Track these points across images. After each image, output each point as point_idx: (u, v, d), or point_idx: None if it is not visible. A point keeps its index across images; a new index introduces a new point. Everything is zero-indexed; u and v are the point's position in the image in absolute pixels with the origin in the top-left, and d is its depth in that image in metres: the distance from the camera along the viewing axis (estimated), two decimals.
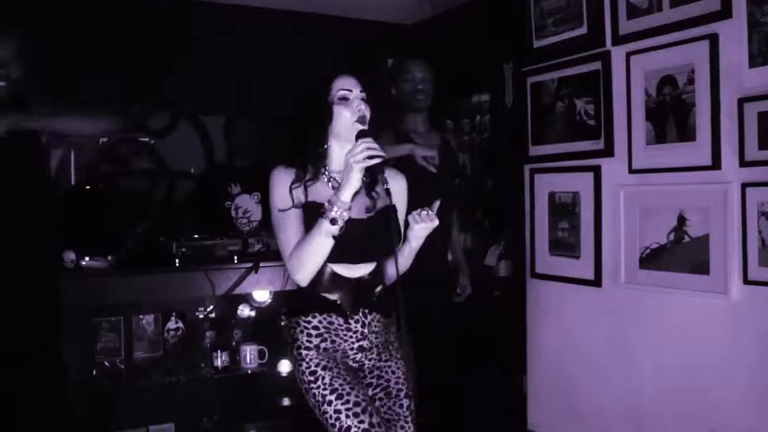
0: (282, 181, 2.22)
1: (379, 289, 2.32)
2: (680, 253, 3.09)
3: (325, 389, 2.16)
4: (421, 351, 3.10)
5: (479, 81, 4.89)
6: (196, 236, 3.60)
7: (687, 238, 3.07)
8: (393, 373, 2.34)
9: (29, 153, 2.74)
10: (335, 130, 2.22)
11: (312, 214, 2.15)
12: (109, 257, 3.37)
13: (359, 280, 2.26)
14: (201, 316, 3.84)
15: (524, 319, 3.88)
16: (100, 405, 3.35)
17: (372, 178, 2.20)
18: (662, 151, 3.12)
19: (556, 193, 3.64)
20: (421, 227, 2.17)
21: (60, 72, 4.05)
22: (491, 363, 4.29)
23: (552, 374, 3.73)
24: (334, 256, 2.16)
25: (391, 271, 2.33)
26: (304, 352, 2.23)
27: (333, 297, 2.24)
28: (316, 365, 2.21)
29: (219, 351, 3.73)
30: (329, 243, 2.11)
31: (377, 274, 2.31)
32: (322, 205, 2.11)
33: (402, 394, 2.31)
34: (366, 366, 2.32)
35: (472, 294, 3.79)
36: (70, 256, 3.25)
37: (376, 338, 2.32)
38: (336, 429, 2.11)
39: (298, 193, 2.21)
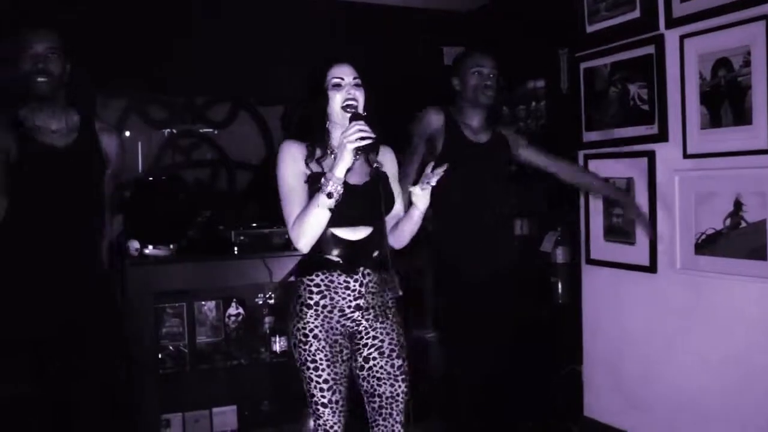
0: (291, 156, 2.40)
1: (377, 252, 2.46)
2: (737, 239, 3.05)
3: (309, 355, 2.40)
4: (479, 336, 3.17)
5: (534, 67, 4.85)
6: (255, 225, 3.69)
7: (744, 224, 3.03)
8: (387, 334, 2.49)
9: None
10: (330, 113, 2.42)
11: (316, 182, 2.34)
12: (171, 246, 3.49)
13: (359, 242, 2.43)
14: (260, 302, 3.94)
15: (580, 305, 3.88)
16: (165, 387, 3.47)
17: (366, 156, 2.43)
18: (717, 135, 3.08)
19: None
20: (421, 193, 2.37)
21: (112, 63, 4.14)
22: (549, 350, 4.28)
23: (608, 361, 3.72)
24: (334, 220, 2.33)
25: (398, 237, 2.51)
26: (305, 309, 2.42)
27: (334, 258, 2.41)
28: (310, 330, 2.40)
29: (277, 336, 3.83)
30: (326, 214, 2.29)
31: (376, 238, 2.45)
32: (323, 175, 2.31)
33: (395, 355, 2.48)
34: (362, 326, 2.47)
35: (529, 280, 3.79)
36: (134, 244, 3.38)
37: (373, 299, 2.47)
38: (306, 390, 2.42)
39: (312, 166, 2.39)
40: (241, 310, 3.90)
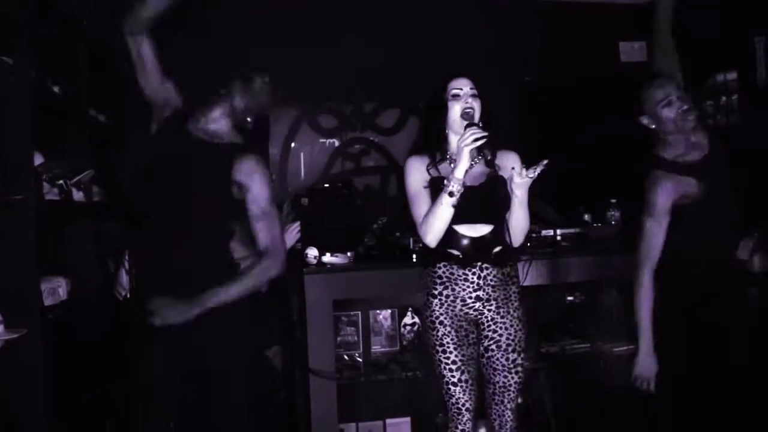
0: (415, 168, 2.73)
1: (498, 249, 2.69)
2: None
3: (437, 339, 2.72)
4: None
5: (724, 58, 4.48)
6: None
7: None
8: (506, 329, 2.73)
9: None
10: (450, 122, 2.71)
11: (438, 186, 2.64)
12: (349, 253, 3.45)
13: (479, 238, 2.67)
14: None
15: None
16: (339, 396, 3.44)
17: (483, 156, 2.62)
18: None
19: None
20: (520, 182, 2.58)
21: None
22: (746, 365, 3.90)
23: None
24: (455, 218, 2.60)
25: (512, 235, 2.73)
26: (430, 299, 2.74)
27: (455, 252, 2.67)
28: (436, 317, 2.72)
29: None
30: (449, 211, 2.59)
31: (496, 235, 2.69)
32: (445, 179, 2.61)
33: (510, 349, 2.72)
34: (485, 315, 2.72)
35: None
36: (313, 252, 3.36)
37: (494, 291, 2.71)
38: (437, 371, 2.73)
39: (432, 172, 2.71)
40: (417, 320, 3.80)
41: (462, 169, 2.54)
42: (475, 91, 2.67)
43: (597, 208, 3.75)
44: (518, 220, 2.67)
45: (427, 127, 2.81)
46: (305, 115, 4.96)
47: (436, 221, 2.60)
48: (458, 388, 2.70)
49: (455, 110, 2.67)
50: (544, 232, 3.54)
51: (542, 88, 4.98)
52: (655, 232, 2.93)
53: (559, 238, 3.54)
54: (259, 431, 3.83)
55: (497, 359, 2.73)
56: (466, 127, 2.56)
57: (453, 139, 2.70)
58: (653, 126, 3.03)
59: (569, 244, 3.56)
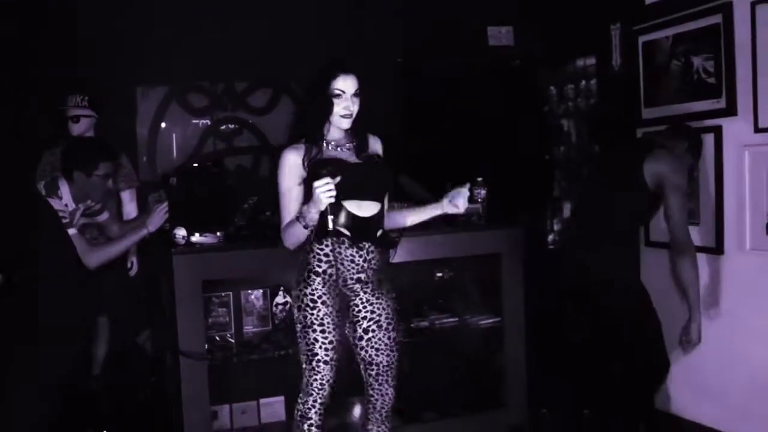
0: (291, 161, 2.69)
1: (380, 232, 2.73)
2: None
3: (316, 318, 2.69)
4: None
5: (584, 44, 4.70)
6: None
7: None
8: (384, 309, 2.78)
9: None
10: (330, 115, 2.69)
11: (317, 170, 2.59)
12: (218, 233, 3.40)
13: (366, 218, 2.68)
14: None
15: None
16: (211, 378, 3.40)
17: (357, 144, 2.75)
18: None
19: None
20: (450, 207, 2.75)
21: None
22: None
23: (674, 348, 3.57)
24: (342, 193, 2.58)
25: (395, 220, 2.87)
26: (313, 276, 2.70)
27: (345, 231, 2.66)
28: (318, 296, 2.69)
29: None
30: (306, 232, 2.64)
31: (379, 218, 2.73)
32: (326, 161, 2.64)
33: (390, 328, 2.79)
34: (360, 298, 2.74)
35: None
36: (181, 232, 3.29)
37: (373, 275, 2.74)
38: (308, 349, 2.72)
39: (302, 171, 2.68)
40: (288, 299, 3.80)
41: (315, 211, 2.55)
42: (358, 91, 2.65)
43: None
44: (406, 219, 2.88)
45: (307, 115, 2.74)
46: (174, 93, 4.84)
47: (295, 236, 2.66)
48: (328, 367, 2.73)
49: (336, 109, 2.66)
50: None
51: (415, 69, 5.07)
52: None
53: None
54: (131, 416, 3.80)
55: (379, 339, 2.77)
56: (321, 176, 2.52)
57: (333, 131, 2.72)
58: None
59: (436, 222, 3.64)
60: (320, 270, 2.70)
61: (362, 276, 2.70)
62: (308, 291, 2.71)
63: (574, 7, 4.56)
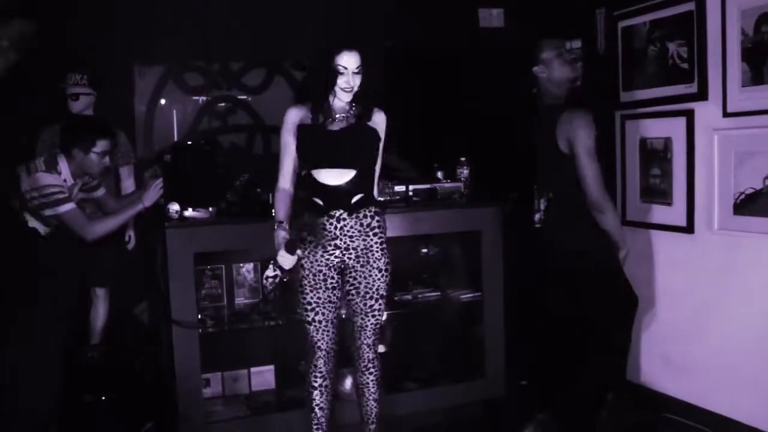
0: (291, 117, 2.88)
1: (357, 198, 2.84)
2: None
3: (299, 281, 2.94)
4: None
5: (571, 28, 4.78)
6: None
7: None
8: (365, 278, 2.92)
9: None
10: (334, 88, 2.82)
11: (306, 132, 2.85)
12: (210, 208, 3.53)
13: (339, 186, 2.82)
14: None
15: None
16: (204, 348, 3.53)
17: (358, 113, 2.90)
18: (759, 92, 3.03)
19: (647, 139, 3.58)
20: None
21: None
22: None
23: (645, 324, 3.71)
24: (318, 162, 2.82)
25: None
26: (300, 243, 2.84)
27: (318, 201, 2.85)
28: (300, 259, 2.85)
29: None
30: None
31: (356, 184, 2.84)
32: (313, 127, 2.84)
33: (368, 296, 2.94)
34: (346, 263, 2.91)
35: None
36: (174, 207, 3.42)
37: (352, 241, 2.88)
38: (302, 309, 2.97)
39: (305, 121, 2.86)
40: (278, 272, 3.91)
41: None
42: (360, 68, 2.79)
43: (449, 165, 3.97)
44: None
45: (312, 86, 2.91)
46: (171, 72, 4.95)
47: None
48: (312, 327, 2.96)
49: (338, 83, 2.79)
50: (397, 188, 3.72)
51: (404, 50, 5.15)
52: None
53: (411, 193, 3.73)
54: (128, 385, 3.93)
55: (356, 303, 2.96)
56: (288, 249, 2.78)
57: (336, 101, 2.85)
58: (544, 74, 3.28)
59: (420, 199, 3.77)
60: (302, 236, 2.89)
61: (338, 242, 2.87)
62: (294, 256, 2.85)
63: None
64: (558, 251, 3.32)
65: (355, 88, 2.81)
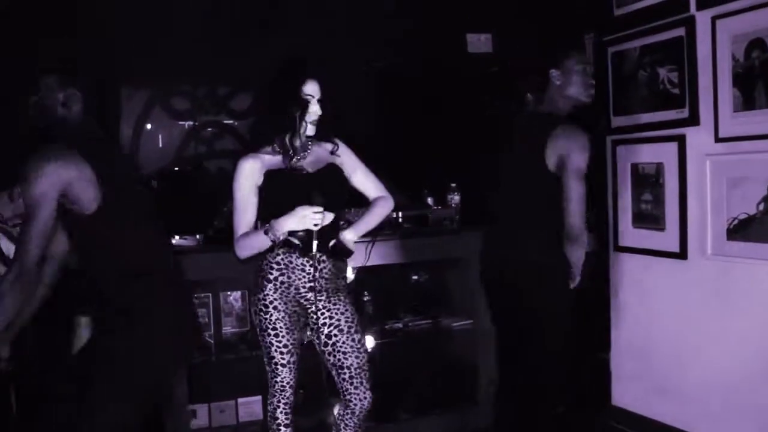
0: (248, 169, 2.73)
1: (333, 242, 2.73)
2: None
3: (269, 323, 2.76)
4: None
5: (560, 53, 4.78)
6: None
7: None
8: (342, 313, 2.81)
9: None
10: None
11: (275, 178, 2.71)
12: (198, 236, 3.48)
13: (321, 229, 2.65)
14: None
15: (608, 293, 3.83)
16: (192, 378, 3.47)
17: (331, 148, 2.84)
18: (751, 117, 3.02)
19: (639, 164, 3.57)
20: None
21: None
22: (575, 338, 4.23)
23: (637, 350, 3.68)
24: (297, 203, 2.60)
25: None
26: (265, 283, 2.75)
27: (295, 240, 2.67)
28: (270, 302, 2.74)
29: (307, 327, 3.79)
30: (268, 245, 2.68)
31: (332, 228, 2.73)
32: (278, 171, 2.71)
33: (352, 330, 2.83)
34: (317, 305, 2.75)
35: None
36: None
37: (327, 284, 2.76)
38: (267, 352, 2.82)
39: (257, 179, 2.72)
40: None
41: (286, 228, 2.62)
42: (321, 95, 2.71)
43: (439, 191, 3.94)
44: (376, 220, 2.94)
45: (278, 121, 2.73)
46: (157, 96, 4.90)
47: (254, 248, 2.71)
48: (286, 369, 2.82)
49: (305, 114, 2.70)
50: None
51: (393, 74, 5.14)
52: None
53: (400, 220, 3.69)
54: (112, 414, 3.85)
55: (344, 342, 2.81)
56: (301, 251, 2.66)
57: (303, 136, 2.75)
58: (559, 82, 3.11)
59: (410, 226, 3.73)
60: (272, 277, 2.74)
61: (314, 285, 2.71)
62: (261, 296, 2.77)
63: (552, 16, 4.66)
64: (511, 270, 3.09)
65: (317, 115, 2.73)
